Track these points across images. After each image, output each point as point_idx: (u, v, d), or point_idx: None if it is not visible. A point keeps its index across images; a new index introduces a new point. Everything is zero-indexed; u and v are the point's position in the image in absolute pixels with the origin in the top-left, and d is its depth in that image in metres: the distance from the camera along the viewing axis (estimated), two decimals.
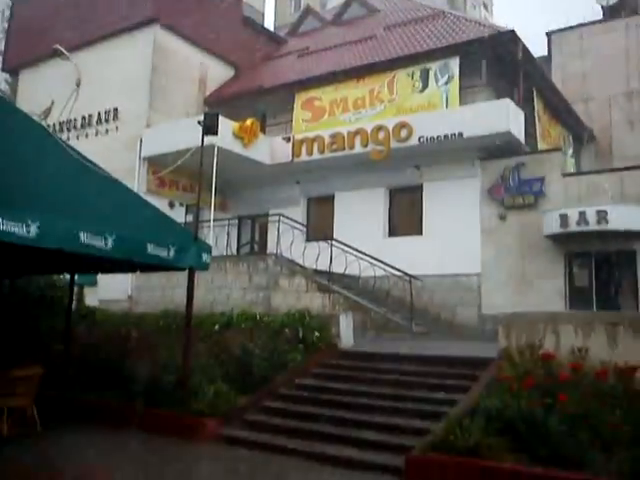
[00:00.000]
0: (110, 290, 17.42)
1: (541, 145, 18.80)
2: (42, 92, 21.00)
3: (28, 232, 6.09)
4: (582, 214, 14.36)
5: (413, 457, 6.26)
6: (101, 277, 16.04)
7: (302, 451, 6.97)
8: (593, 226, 14.23)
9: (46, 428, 7.70)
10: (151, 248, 7.51)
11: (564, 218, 14.63)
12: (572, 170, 17.45)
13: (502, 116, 16.14)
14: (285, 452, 7.03)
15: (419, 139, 17.10)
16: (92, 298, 15.60)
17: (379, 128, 17.87)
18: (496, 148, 16.77)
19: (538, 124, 19.13)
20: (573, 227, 14.50)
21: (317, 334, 10.01)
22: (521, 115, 16.86)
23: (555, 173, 15.96)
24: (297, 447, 7.07)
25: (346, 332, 10.53)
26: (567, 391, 6.53)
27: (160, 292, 17.46)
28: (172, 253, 7.79)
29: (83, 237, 6.70)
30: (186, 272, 8.65)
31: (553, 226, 14.99)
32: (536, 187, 16.01)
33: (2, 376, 7.57)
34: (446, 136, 16.63)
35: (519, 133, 16.54)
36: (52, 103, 19.70)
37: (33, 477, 6.10)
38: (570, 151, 21.50)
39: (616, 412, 6.15)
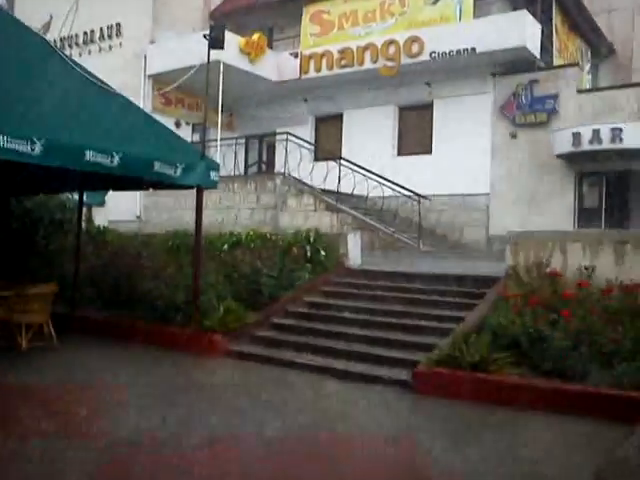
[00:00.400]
0: (119, 211, 17.51)
1: (557, 60, 18.18)
2: (40, 6, 20.29)
3: (33, 150, 6.04)
4: (596, 132, 14.07)
5: (420, 371, 6.42)
6: (110, 198, 16.09)
7: (311, 365, 7.16)
8: (607, 144, 13.98)
9: (62, 343, 7.93)
10: (158, 166, 7.45)
11: (577, 137, 14.36)
12: (588, 87, 16.95)
13: (518, 30, 15.55)
14: (294, 366, 7.22)
15: (431, 54, 16.59)
16: (101, 219, 15.68)
17: (390, 43, 17.32)
18: (510, 64, 16.26)
19: (555, 38, 18.44)
20: (585, 146, 14.25)
21: (325, 253, 10.07)
22: (538, 28, 16.23)
23: (570, 90, 15.52)
24: (306, 362, 7.27)
25: (354, 251, 10.59)
26: (572, 308, 6.62)
27: (168, 213, 17.56)
28: (179, 171, 7.73)
29: (89, 155, 6.64)
30: (194, 194, 8.62)
31: (565, 145, 14.73)
32: (549, 104, 15.64)
33: (18, 293, 7.74)
34: (459, 51, 16.12)
35: (535, 48, 15.98)
36: (51, 17, 19.10)
37: (55, 389, 6.33)
38: (587, 67, 20.78)
39: (618, 328, 6.24)
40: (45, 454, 4.42)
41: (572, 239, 8.02)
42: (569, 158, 15.10)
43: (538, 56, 16.28)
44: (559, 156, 15.20)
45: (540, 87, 15.83)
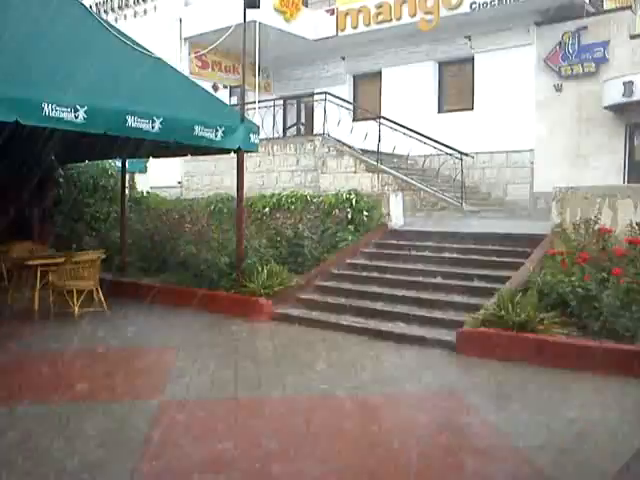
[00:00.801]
0: (160, 177, 17.70)
1: (608, 4, 17.25)
2: None
3: (76, 117, 6.13)
4: None
5: (464, 331, 6.38)
6: (151, 164, 16.27)
7: (355, 327, 7.20)
8: None
9: (111, 309, 8.16)
10: (199, 130, 7.46)
11: (628, 86, 13.71)
12: None
13: None
14: (338, 328, 7.27)
15: (471, 5, 16.01)
16: (143, 186, 15.90)
17: None
18: (555, 11, 15.55)
19: None
20: (638, 95, 13.61)
21: (367, 214, 10.01)
22: None
23: (621, 36, 14.75)
24: (350, 323, 7.31)
25: (396, 212, 10.49)
26: (622, 266, 6.43)
27: (209, 178, 17.68)
28: (220, 134, 7.73)
29: (130, 120, 6.70)
30: (234, 158, 8.62)
31: (615, 95, 14.12)
32: (598, 53, 14.95)
33: (68, 260, 7.95)
34: (500, 0, 15.48)
35: None
36: None
37: (110, 353, 6.54)
38: None
39: None
40: (105, 410, 4.60)
41: (622, 194, 7.76)
42: (619, 109, 14.48)
43: (587, 0, 15.52)
44: (608, 107, 14.59)
45: (589, 34, 15.12)
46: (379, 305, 7.69)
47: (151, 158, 13.23)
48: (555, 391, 5.16)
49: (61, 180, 12.05)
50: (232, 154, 8.59)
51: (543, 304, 6.32)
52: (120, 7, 20.43)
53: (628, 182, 14.51)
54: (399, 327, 7.02)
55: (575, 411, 4.67)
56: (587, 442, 4.07)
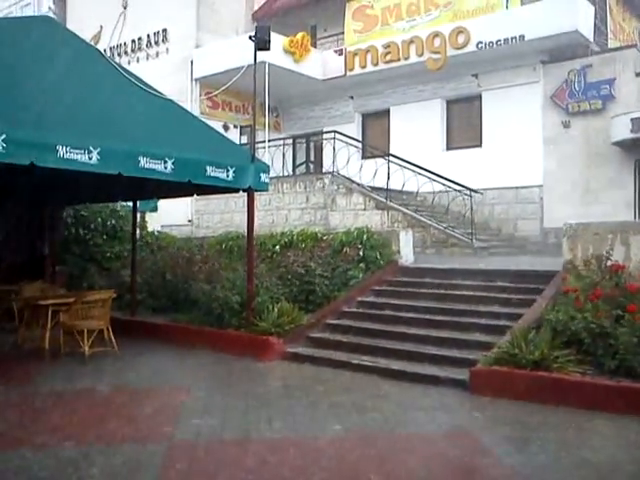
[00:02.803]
0: (171, 216, 17.84)
1: (612, 43, 17.49)
2: (89, 17, 20.85)
3: (90, 158, 6.24)
4: None
5: (478, 370, 6.29)
6: (161, 204, 16.43)
7: (366, 366, 7.12)
8: None
9: (122, 348, 8.13)
10: (210, 170, 7.56)
11: (636, 121, 13.78)
12: None
13: (569, 13, 15.02)
14: (350, 367, 7.20)
15: (477, 45, 16.25)
16: (154, 225, 16.02)
17: (435, 35, 17.05)
18: (560, 50, 15.76)
19: (610, 19, 17.75)
20: None
21: (377, 251, 10.00)
22: (591, 10, 15.65)
23: (627, 73, 14.90)
24: (361, 362, 7.23)
25: (406, 249, 10.48)
26: (637, 302, 6.35)
27: (219, 216, 17.79)
28: (231, 174, 7.82)
29: (143, 161, 6.80)
30: (244, 196, 8.68)
31: (623, 131, 14.18)
32: (605, 90, 15.07)
33: (79, 300, 7.97)
34: (506, 40, 15.74)
35: (588, 31, 15.42)
36: (101, 28, 19.60)
37: (120, 393, 6.50)
38: None
39: None
40: (114, 453, 4.54)
41: (635, 230, 7.71)
42: (628, 145, 14.52)
43: (592, 40, 15.73)
44: (617, 143, 14.64)
45: (594, 72, 15.28)
46: (390, 343, 7.61)
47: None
48: (572, 432, 5.05)
49: (71, 220, 12.15)
50: (241, 192, 8.65)
51: (557, 342, 6.22)
52: (133, 50, 20.93)
53: (639, 217, 14.46)
54: (411, 366, 6.93)
55: (593, 453, 4.56)
56: None
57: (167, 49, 20.17)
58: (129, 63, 20.17)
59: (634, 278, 6.94)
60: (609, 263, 7.26)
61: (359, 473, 4.30)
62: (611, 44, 17.32)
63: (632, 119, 13.88)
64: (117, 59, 20.36)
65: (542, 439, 4.90)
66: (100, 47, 19.67)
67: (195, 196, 18.14)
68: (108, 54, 20.36)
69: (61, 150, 6.03)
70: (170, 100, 8.35)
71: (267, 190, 8.90)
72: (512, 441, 4.89)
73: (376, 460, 4.56)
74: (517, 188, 16.39)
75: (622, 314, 6.27)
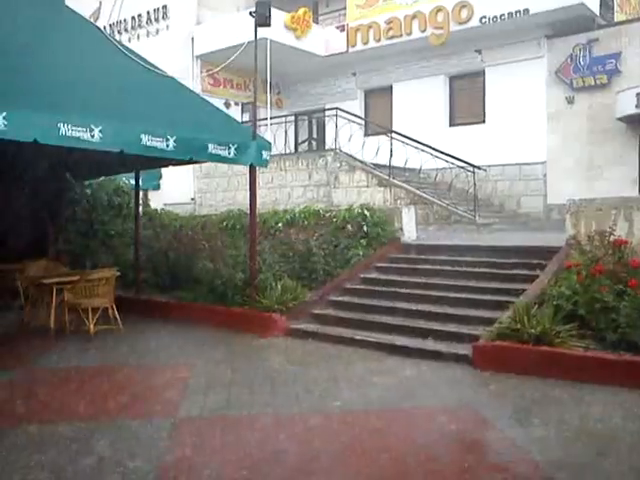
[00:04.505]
0: (174, 194, 17.86)
1: (618, 16, 17.24)
2: None
3: (92, 136, 6.24)
4: None
5: (480, 345, 6.33)
6: (164, 182, 16.45)
7: (370, 342, 7.16)
8: None
9: (126, 326, 8.20)
10: (212, 147, 7.54)
11: None
12: None
13: None
14: (353, 343, 7.24)
15: (481, 19, 16.08)
16: (157, 203, 16.04)
17: (438, 10, 16.86)
18: (565, 24, 15.56)
19: None
20: None
21: (380, 228, 10.00)
22: None
23: (634, 47, 14.71)
24: (365, 338, 7.27)
25: (408, 226, 10.48)
26: (639, 277, 6.36)
27: (222, 194, 17.78)
28: (233, 151, 7.80)
29: (145, 139, 6.79)
30: (246, 174, 8.67)
31: (628, 106, 14.05)
32: (610, 65, 14.92)
33: (83, 278, 8.02)
34: (510, 14, 15.57)
35: (594, 4, 15.23)
36: (100, 4, 19.42)
37: (128, 371, 6.57)
38: None
39: None
40: (121, 429, 4.60)
41: (638, 205, 7.69)
42: (632, 120, 14.40)
43: (597, 13, 15.52)
44: (621, 119, 14.53)
45: (600, 46, 15.10)
46: (393, 320, 7.65)
47: (165, 175, 13.36)
48: (574, 404, 5.09)
49: (76, 197, 12.17)
50: (244, 170, 8.63)
51: (559, 317, 6.25)
52: (133, 27, 20.72)
53: None
54: (414, 342, 6.97)
55: (594, 425, 4.60)
56: (608, 457, 4.01)
57: (167, 26, 19.97)
58: (129, 40, 19.99)
59: (637, 253, 6.94)
60: (612, 239, 7.25)
61: (362, 447, 4.35)
62: (617, 17, 17.07)
63: (638, 94, 13.75)
64: (117, 36, 20.16)
65: (544, 412, 4.94)
66: (99, 24, 19.55)
67: (198, 175, 18.21)
68: (108, 31, 20.22)
69: (63, 128, 6.03)
70: (171, 77, 8.30)
71: (266, 167, 8.87)
72: (514, 414, 4.93)
73: (378, 434, 4.62)
74: (520, 164, 16.33)
75: (624, 289, 6.28)
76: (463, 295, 7.84)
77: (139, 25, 20.61)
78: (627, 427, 4.54)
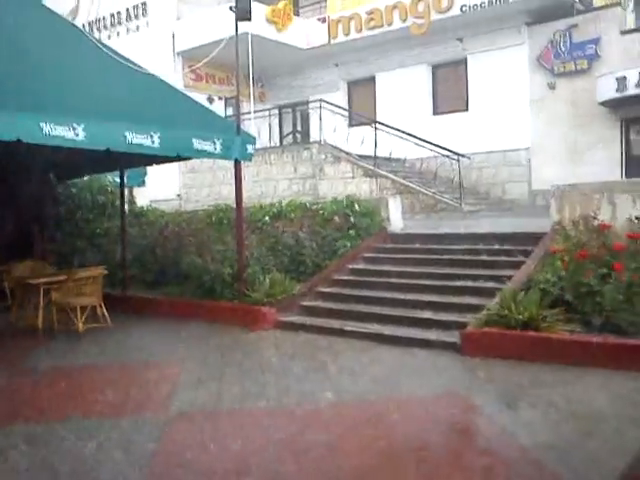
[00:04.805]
0: (159, 190, 17.77)
1: (597, 2, 17.33)
2: None
3: (77, 135, 6.19)
4: None
5: (468, 332, 6.39)
6: (150, 178, 16.34)
7: (359, 332, 7.20)
8: None
9: (115, 324, 8.19)
10: (197, 143, 7.52)
11: (621, 81, 13.79)
12: (632, 27, 16.02)
13: None
14: (343, 334, 7.28)
15: (461, 8, 16.14)
16: (142, 200, 15.95)
17: None
18: (545, 11, 15.64)
19: None
20: (632, 90, 13.69)
21: (366, 219, 10.03)
22: None
23: (612, 32, 14.85)
24: (354, 329, 7.31)
25: (395, 215, 10.51)
26: (623, 261, 6.45)
27: (208, 189, 17.74)
28: (218, 147, 7.79)
29: (129, 137, 6.75)
30: (231, 169, 8.65)
31: (609, 91, 14.19)
32: (590, 50, 15.04)
33: (70, 277, 7.99)
34: (490, 2, 15.66)
35: None
36: (78, 2, 19.23)
37: (115, 368, 6.56)
38: (631, 5, 19.74)
39: None
40: (112, 427, 4.61)
41: (621, 189, 7.77)
42: (614, 105, 14.54)
43: None
44: (603, 103, 14.65)
45: (580, 32, 15.21)
46: (382, 309, 7.70)
47: (150, 173, 13.27)
48: (561, 388, 5.16)
49: (61, 197, 12.09)
50: (229, 165, 8.62)
51: (546, 302, 6.32)
52: (113, 25, 20.55)
53: (626, 176, 14.56)
54: (403, 330, 7.03)
55: (581, 408, 4.67)
56: (594, 438, 4.08)
57: (147, 22, 19.83)
58: (109, 38, 19.83)
59: (620, 237, 7.02)
60: (596, 223, 7.34)
61: (353, 437, 4.40)
62: (596, 3, 17.17)
63: (617, 78, 13.87)
64: (96, 34, 20.01)
65: (531, 397, 5.01)
66: (78, 22, 19.43)
67: (183, 170, 18.14)
68: (87, 29, 20.07)
69: (45, 128, 5.98)
70: (152, 75, 8.25)
71: (251, 161, 8.85)
72: (503, 400, 4.99)
73: (370, 423, 4.66)
74: (504, 151, 16.43)
75: (608, 272, 6.36)
76: (450, 283, 7.89)
77: (118, 22, 20.44)
78: (612, 408, 4.62)
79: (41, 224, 11.44)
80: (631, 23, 15.08)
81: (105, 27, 20.66)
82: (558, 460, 3.78)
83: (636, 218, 7.06)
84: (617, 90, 13.93)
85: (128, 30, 20.21)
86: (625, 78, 13.74)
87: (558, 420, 4.45)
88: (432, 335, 6.75)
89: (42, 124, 5.97)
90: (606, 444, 3.97)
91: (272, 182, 16.32)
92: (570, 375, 5.42)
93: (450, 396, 5.20)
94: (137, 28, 20.04)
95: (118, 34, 20.36)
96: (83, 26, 20.03)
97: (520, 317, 6.11)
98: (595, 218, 7.37)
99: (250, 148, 8.30)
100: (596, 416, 4.48)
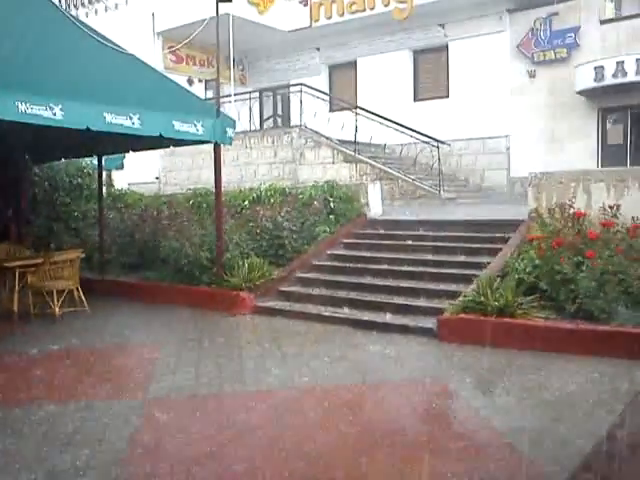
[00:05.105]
0: (138, 173, 17.58)
1: None
2: None
3: (54, 114, 6.10)
4: (620, 64, 13.60)
5: (445, 318, 6.47)
6: (128, 161, 16.17)
7: (337, 318, 7.26)
8: (632, 77, 13.52)
9: (92, 308, 8.13)
10: (178, 125, 7.47)
11: (599, 70, 13.91)
12: (611, 16, 16.12)
13: None
14: (321, 319, 7.34)
15: None
16: (121, 183, 15.80)
17: None
18: None
19: None
20: (609, 80, 13.82)
21: (346, 205, 10.06)
22: None
23: (592, 21, 14.93)
24: (332, 314, 7.37)
25: (374, 201, 10.56)
26: (597, 249, 6.56)
27: (187, 173, 17.60)
28: (199, 129, 7.74)
29: (108, 117, 6.67)
30: (211, 153, 8.60)
31: (586, 80, 14.30)
32: (570, 38, 15.12)
33: (46, 260, 7.90)
34: None
35: None
36: None
37: (91, 351, 6.53)
38: None
39: None
40: (89, 411, 4.60)
41: (595, 178, 7.88)
42: (591, 94, 14.67)
43: None
44: (580, 92, 14.78)
45: (560, 20, 15.27)
46: (361, 295, 7.76)
47: (128, 155, 13.12)
48: (534, 374, 5.26)
49: (36, 179, 11.92)
50: (208, 149, 8.56)
51: (521, 289, 6.42)
52: (91, 2, 20.16)
53: (601, 165, 14.74)
54: (380, 316, 7.10)
55: (552, 393, 4.77)
56: (564, 422, 4.17)
57: (126, 0, 19.47)
58: (87, 16, 19.46)
59: (594, 225, 7.13)
60: (572, 211, 7.44)
61: (330, 421, 4.45)
62: None
63: (595, 67, 13.99)
64: (73, 11, 19.61)
65: (506, 382, 5.11)
66: None
67: (162, 153, 17.95)
68: (63, 6, 19.63)
69: (21, 107, 5.88)
70: (132, 55, 8.11)
71: (231, 144, 8.80)
72: (478, 385, 5.08)
73: (346, 408, 4.71)
74: (484, 139, 16.50)
75: (582, 260, 6.47)
76: (429, 269, 7.96)
77: None
78: (583, 393, 4.73)
79: (17, 207, 11.27)
80: (610, 13, 15.16)
81: (82, 4, 20.27)
82: (530, 443, 3.87)
83: (609, 207, 7.17)
84: (595, 80, 14.05)
85: (107, 8, 19.85)
86: (603, 68, 13.86)
87: (531, 405, 4.54)
88: (409, 321, 6.83)
89: (17, 103, 5.87)
90: (576, 427, 4.07)
91: (252, 166, 16.24)
92: (544, 361, 5.53)
93: (426, 381, 5.28)
94: (116, 6, 19.68)
95: (96, 12, 20.00)
96: (59, 3, 19.63)
97: (496, 304, 6.20)
98: (571, 206, 7.47)
99: (230, 132, 8.25)
100: (567, 401, 4.59)
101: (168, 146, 9.76)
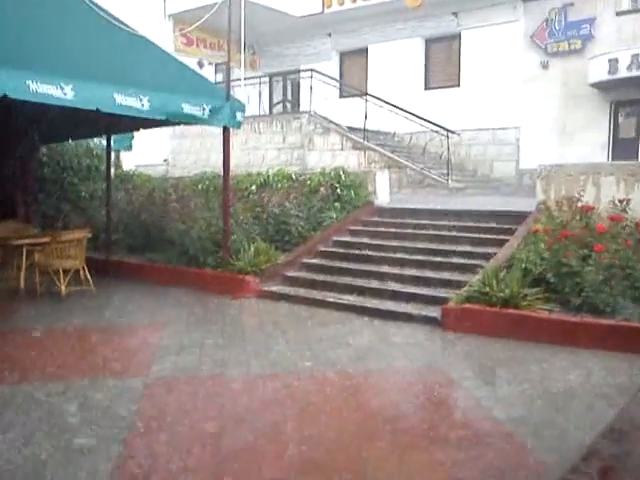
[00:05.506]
0: (146, 155, 17.58)
1: None
2: None
3: (65, 94, 6.11)
4: (635, 57, 13.47)
5: (449, 307, 6.47)
6: (137, 142, 16.15)
7: (342, 304, 7.27)
8: None
9: (98, 288, 8.18)
10: (187, 108, 7.46)
11: (613, 63, 13.77)
12: (628, 8, 15.94)
13: None
14: (325, 305, 7.35)
15: None
16: (129, 164, 15.80)
17: None
18: None
19: None
20: (623, 73, 13.69)
21: (353, 192, 10.04)
22: None
23: (607, 12, 14.76)
24: (336, 300, 7.38)
25: (382, 189, 10.52)
26: (604, 242, 6.52)
27: (195, 156, 17.59)
28: (207, 112, 7.73)
29: (119, 99, 6.67)
30: (220, 136, 8.59)
31: (600, 72, 14.17)
32: (584, 30, 14.96)
33: (54, 240, 7.93)
34: None
35: None
36: None
37: (95, 332, 6.57)
38: None
39: None
40: (94, 390, 4.64)
41: (605, 172, 7.83)
42: (604, 86, 14.54)
43: None
44: (594, 85, 14.65)
45: (575, 11, 15.11)
46: (365, 282, 7.76)
47: (137, 136, 13.10)
48: (537, 365, 5.26)
49: (45, 159, 11.94)
50: (218, 132, 8.54)
51: (527, 280, 6.40)
52: None
53: (612, 159, 14.65)
54: (385, 304, 7.10)
55: (554, 384, 4.77)
56: (565, 414, 4.18)
57: None
58: None
59: (602, 219, 7.09)
60: (580, 204, 7.40)
61: (332, 407, 4.46)
62: None
63: (609, 60, 13.85)
64: None
65: (508, 373, 5.11)
66: None
67: (171, 135, 17.94)
68: None
69: (32, 86, 5.89)
70: (143, 36, 8.09)
71: (239, 128, 8.78)
72: (480, 375, 5.09)
73: (348, 394, 4.73)
74: (494, 129, 16.42)
75: (589, 254, 6.44)
76: (434, 258, 7.95)
77: None
78: (585, 386, 4.73)
79: (25, 186, 11.30)
80: (627, 4, 14.96)
81: None
82: (530, 434, 3.88)
83: (619, 201, 7.12)
84: (609, 72, 13.92)
85: None
86: (617, 60, 13.72)
87: (532, 396, 4.55)
88: (414, 309, 6.83)
89: (28, 82, 5.87)
90: (576, 419, 4.08)
91: (260, 151, 16.21)
92: (546, 353, 5.53)
93: (428, 370, 5.29)
94: None
95: None
96: None
97: (501, 294, 6.19)
98: (579, 199, 7.43)
99: (239, 115, 8.23)
100: (569, 392, 4.59)
101: (179, 124, 9.72)
